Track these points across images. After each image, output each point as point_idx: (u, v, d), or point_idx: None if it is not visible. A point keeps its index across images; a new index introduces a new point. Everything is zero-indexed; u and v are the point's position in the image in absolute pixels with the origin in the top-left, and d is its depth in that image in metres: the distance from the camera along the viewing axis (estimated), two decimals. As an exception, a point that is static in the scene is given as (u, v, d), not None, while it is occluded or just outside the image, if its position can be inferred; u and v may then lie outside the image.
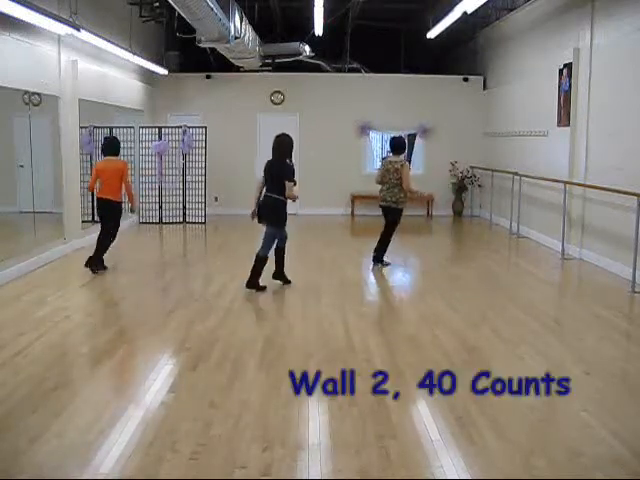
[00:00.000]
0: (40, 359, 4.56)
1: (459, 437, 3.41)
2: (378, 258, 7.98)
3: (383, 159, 7.93)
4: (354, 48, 13.69)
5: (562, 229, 8.63)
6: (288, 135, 6.77)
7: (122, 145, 11.06)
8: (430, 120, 13.24)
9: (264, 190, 6.69)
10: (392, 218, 7.91)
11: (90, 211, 9.91)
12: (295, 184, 6.55)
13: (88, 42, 8.44)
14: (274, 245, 6.78)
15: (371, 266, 7.97)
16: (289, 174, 6.52)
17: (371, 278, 7.75)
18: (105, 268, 7.58)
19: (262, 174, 6.75)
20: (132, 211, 8.13)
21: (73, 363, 4.67)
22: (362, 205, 13.31)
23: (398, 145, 7.96)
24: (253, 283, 6.68)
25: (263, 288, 6.70)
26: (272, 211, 6.61)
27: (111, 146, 7.69)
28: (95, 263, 7.49)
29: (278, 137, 6.71)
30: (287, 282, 6.94)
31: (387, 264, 7.94)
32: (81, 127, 9.17)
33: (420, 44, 12.92)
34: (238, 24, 9.35)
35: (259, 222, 6.76)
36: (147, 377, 4.29)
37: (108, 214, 7.63)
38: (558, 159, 9.09)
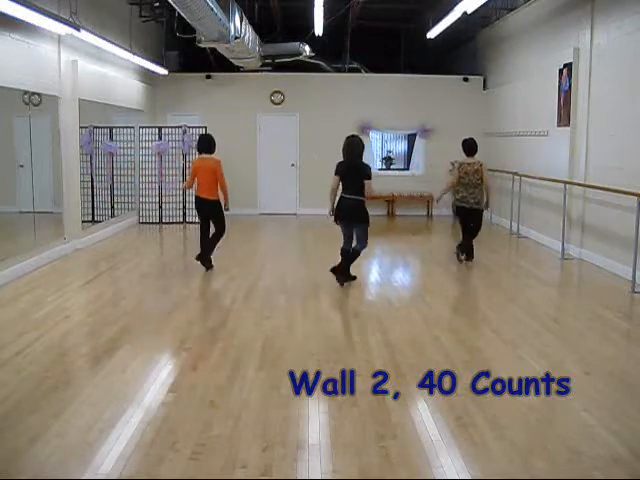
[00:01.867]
0: (40, 359, 4.56)
1: (459, 437, 3.41)
2: (469, 254, 8.11)
3: (459, 163, 8.10)
4: (354, 48, 13.69)
5: (562, 229, 8.63)
6: (358, 136, 6.93)
7: (122, 145, 11.18)
8: (430, 120, 13.24)
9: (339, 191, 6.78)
10: (478, 220, 8.06)
11: (90, 211, 9.94)
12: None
13: (88, 42, 8.45)
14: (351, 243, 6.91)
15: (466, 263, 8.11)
16: (369, 173, 6.67)
17: (371, 278, 7.75)
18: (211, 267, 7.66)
19: (336, 175, 6.78)
20: (226, 209, 7.87)
21: (73, 363, 4.66)
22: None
23: (472, 147, 8.09)
24: (346, 275, 6.89)
25: (354, 277, 7.00)
26: (358, 212, 6.72)
27: (206, 144, 7.66)
28: (208, 260, 7.62)
29: (351, 138, 6.81)
30: (352, 279, 7.01)
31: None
32: (81, 127, 9.17)
33: (420, 44, 12.93)
34: (238, 24, 9.35)
35: (338, 223, 6.87)
36: (147, 377, 4.29)
37: (211, 213, 7.63)
38: (558, 159, 9.09)
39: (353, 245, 6.95)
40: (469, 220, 8.04)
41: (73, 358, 4.77)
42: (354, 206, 6.72)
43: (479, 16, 11.02)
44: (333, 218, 6.91)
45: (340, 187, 6.84)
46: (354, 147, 6.74)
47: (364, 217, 6.78)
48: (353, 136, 6.89)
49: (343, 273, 6.92)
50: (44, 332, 5.18)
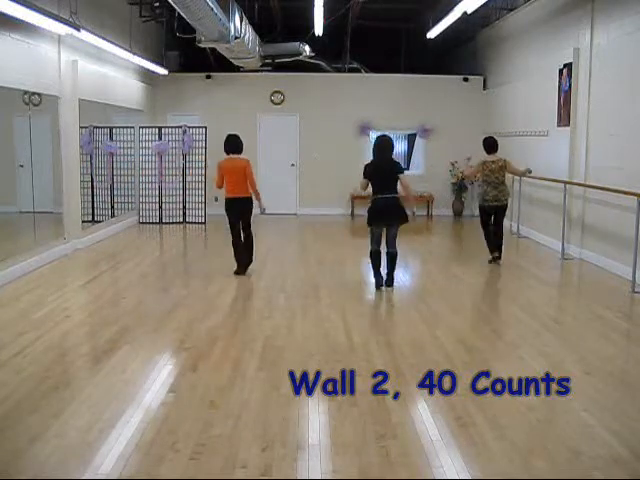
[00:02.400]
0: (40, 359, 4.56)
1: (459, 437, 3.41)
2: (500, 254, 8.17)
3: (482, 161, 8.17)
4: (354, 48, 13.69)
5: (562, 229, 8.63)
6: (387, 135, 6.92)
7: (122, 145, 11.18)
8: (430, 120, 13.24)
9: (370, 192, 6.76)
10: (503, 214, 8.16)
11: (90, 211, 9.94)
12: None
13: (88, 42, 8.44)
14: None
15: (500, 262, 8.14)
16: (402, 168, 6.70)
17: (371, 278, 7.74)
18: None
19: (365, 178, 6.72)
20: (263, 210, 7.73)
21: (73, 363, 4.67)
22: (362, 205, 13.29)
23: (492, 144, 8.15)
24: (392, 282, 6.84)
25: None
26: (398, 210, 6.63)
27: (235, 144, 7.61)
28: (245, 266, 7.51)
29: (381, 138, 6.79)
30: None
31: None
32: (81, 127, 9.17)
33: (420, 44, 12.93)
34: (238, 24, 9.35)
35: (372, 224, 6.72)
36: (147, 377, 4.29)
37: (245, 210, 7.51)
38: (558, 159, 9.09)
39: (386, 249, 6.81)
40: (498, 216, 8.13)
41: (73, 358, 4.77)
42: (394, 205, 6.63)
43: (479, 16, 11.02)
44: (368, 221, 6.77)
45: (370, 189, 6.77)
46: (385, 147, 6.71)
47: (405, 215, 6.70)
48: (383, 136, 6.88)
49: (389, 281, 6.83)
50: (44, 332, 5.18)
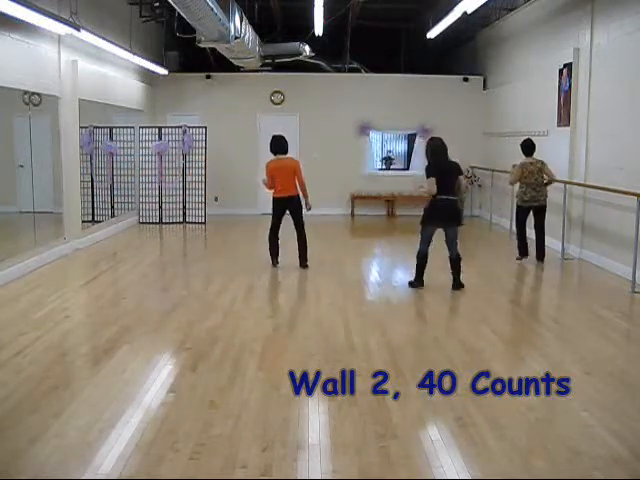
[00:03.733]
0: (40, 359, 4.56)
1: (459, 437, 3.41)
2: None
3: (520, 163, 8.28)
4: (354, 48, 13.68)
5: (562, 229, 8.63)
6: (436, 137, 6.87)
7: (122, 145, 11.18)
8: (430, 120, 13.22)
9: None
10: (543, 216, 8.28)
11: (90, 211, 9.94)
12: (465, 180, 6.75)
13: (88, 42, 8.44)
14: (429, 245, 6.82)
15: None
16: (460, 170, 6.70)
17: (371, 278, 7.75)
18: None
19: (433, 176, 6.56)
20: (308, 209, 7.89)
21: (73, 363, 4.67)
22: (362, 205, 13.32)
23: (530, 146, 8.21)
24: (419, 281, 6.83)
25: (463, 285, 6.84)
26: (457, 212, 6.67)
27: (282, 145, 7.78)
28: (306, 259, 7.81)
29: (436, 139, 6.78)
30: (462, 286, 6.84)
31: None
32: (81, 127, 9.17)
33: (420, 44, 12.93)
34: (238, 24, 9.35)
35: (436, 225, 6.74)
36: (147, 377, 4.29)
37: (296, 208, 7.73)
38: (558, 159, 9.08)
39: (449, 253, 6.80)
40: (539, 218, 8.27)
41: (73, 358, 4.77)
42: (454, 207, 6.64)
43: (479, 16, 11.02)
44: (424, 221, 6.75)
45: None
46: (444, 147, 6.68)
47: (461, 217, 6.78)
48: (437, 138, 6.83)
49: (458, 283, 6.80)
50: (44, 332, 5.18)
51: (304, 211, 7.81)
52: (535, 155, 8.25)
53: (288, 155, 7.81)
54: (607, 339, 5.24)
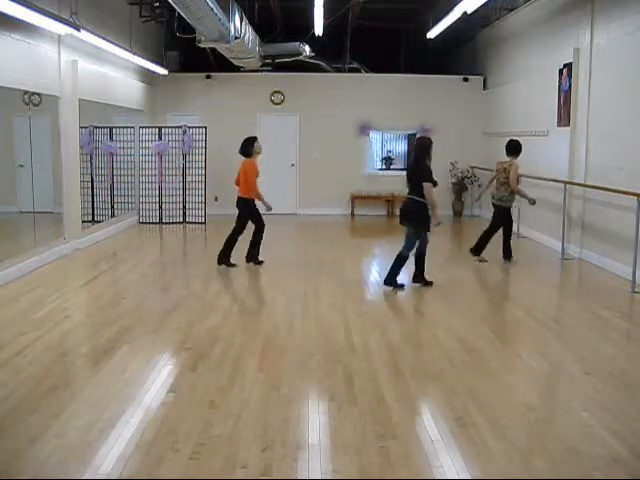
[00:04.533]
0: (40, 359, 4.56)
1: (459, 437, 3.41)
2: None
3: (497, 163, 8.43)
4: (354, 48, 13.69)
5: (562, 229, 8.63)
6: (427, 137, 6.99)
7: (122, 145, 11.18)
8: (430, 120, 13.22)
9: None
10: (496, 214, 8.36)
11: (90, 211, 9.94)
12: (435, 185, 6.66)
13: (88, 42, 8.44)
14: (415, 246, 6.83)
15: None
16: (426, 175, 6.62)
17: (371, 278, 7.75)
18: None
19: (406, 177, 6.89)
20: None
21: (73, 363, 4.66)
22: (362, 205, 13.32)
23: (509, 148, 8.23)
24: (391, 281, 6.80)
25: (402, 286, 6.83)
26: (411, 213, 6.72)
27: (243, 147, 7.91)
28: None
29: (418, 139, 6.96)
30: (428, 284, 6.94)
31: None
32: (81, 127, 9.17)
33: (420, 44, 12.93)
34: (238, 24, 9.35)
35: (400, 223, 6.88)
36: (147, 377, 4.29)
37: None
38: (558, 159, 9.09)
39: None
40: (493, 216, 8.48)
41: (73, 358, 4.77)
42: (410, 206, 6.81)
43: (479, 16, 11.02)
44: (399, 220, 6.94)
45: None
46: (417, 147, 6.91)
47: (415, 219, 6.81)
48: (421, 137, 7.05)
49: (415, 279, 6.98)
50: (44, 332, 5.18)
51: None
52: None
53: (249, 158, 7.86)
54: (607, 339, 5.24)
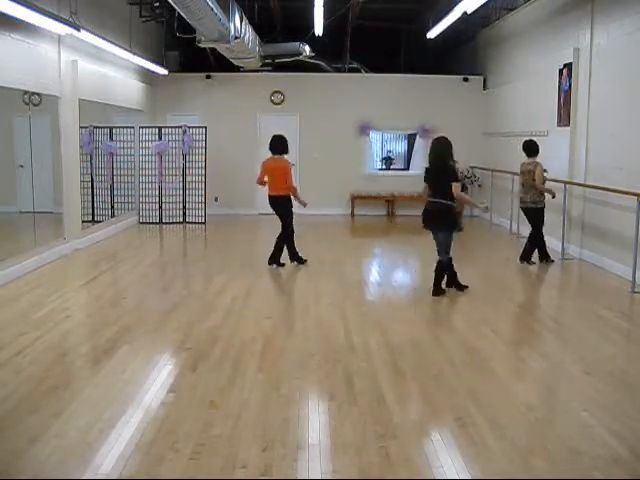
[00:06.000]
0: (40, 359, 4.56)
1: (459, 437, 3.41)
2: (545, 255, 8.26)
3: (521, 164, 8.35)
4: (354, 48, 13.68)
5: (562, 229, 8.63)
6: (445, 137, 6.60)
7: (122, 145, 11.18)
8: (430, 120, 13.21)
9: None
10: (531, 217, 8.23)
11: (90, 211, 9.94)
12: (464, 188, 6.41)
13: (88, 42, 8.44)
14: (451, 247, 6.59)
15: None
16: (454, 176, 6.41)
17: (371, 278, 7.75)
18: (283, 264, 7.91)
19: (424, 180, 6.59)
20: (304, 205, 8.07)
21: (73, 363, 4.67)
22: (362, 205, 13.32)
23: (527, 147, 8.18)
24: (437, 290, 6.53)
25: (443, 292, 6.57)
26: (440, 218, 6.44)
27: (275, 145, 7.82)
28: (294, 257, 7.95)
29: (436, 140, 6.58)
30: (463, 288, 6.70)
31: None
32: (81, 127, 9.17)
33: (420, 44, 12.92)
34: (238, 24, 9.35)
35: (425, 228, 6.63)
36: (147, 377, 4.29)
37: (276, 208, 7.91)
38: (558, 159, 9.08)
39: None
40: (528, 219, 8.34)
41: (73, 358, 4.77)
42: (436, 210, 6.52)
43: (479, 16, 11.02)
44: (423, 225, 6.71)
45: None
46: (438, 148, 6.53)
47: (443, 223, 6.59)
48: (439, 137, 6.65)
49: (436, 289, 6.65)
50: (44, 332, 5.17)
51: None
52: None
53: (284, 156, 7.78)
54: (607, 339, 5.24)
